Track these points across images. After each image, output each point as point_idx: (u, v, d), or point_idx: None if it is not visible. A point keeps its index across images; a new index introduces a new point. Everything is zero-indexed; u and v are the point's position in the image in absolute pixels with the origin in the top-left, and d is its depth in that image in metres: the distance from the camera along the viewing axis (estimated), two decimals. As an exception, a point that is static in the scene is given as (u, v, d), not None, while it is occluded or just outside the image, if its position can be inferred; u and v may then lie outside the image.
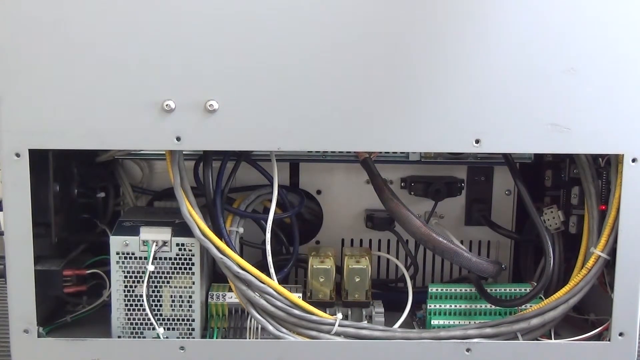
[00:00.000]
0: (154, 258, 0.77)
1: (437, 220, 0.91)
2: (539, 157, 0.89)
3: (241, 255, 0.78)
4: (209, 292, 0.82)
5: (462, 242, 0.91)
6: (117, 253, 0.77)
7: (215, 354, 0.77)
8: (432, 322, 0.82)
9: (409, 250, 0.90)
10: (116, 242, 0.77)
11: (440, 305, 0.83)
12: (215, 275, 0.86)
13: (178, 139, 0.72)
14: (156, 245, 0.77)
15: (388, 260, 0.94)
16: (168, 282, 0.78)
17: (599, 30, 0.71)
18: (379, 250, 0.94)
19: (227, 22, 0.70)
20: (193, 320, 0.79)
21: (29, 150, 0.71)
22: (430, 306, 0.83)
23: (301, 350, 0.77)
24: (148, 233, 0.77)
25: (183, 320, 0.79)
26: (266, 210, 0.85)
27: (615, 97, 0.72)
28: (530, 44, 0.71)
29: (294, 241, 0.88)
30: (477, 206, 0.93)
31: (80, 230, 0.88)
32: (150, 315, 0.77)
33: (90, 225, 0.90)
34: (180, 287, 0.78)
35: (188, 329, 0.79)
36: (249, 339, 0.79)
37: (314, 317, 0.77)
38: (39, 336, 0.76)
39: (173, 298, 0.79)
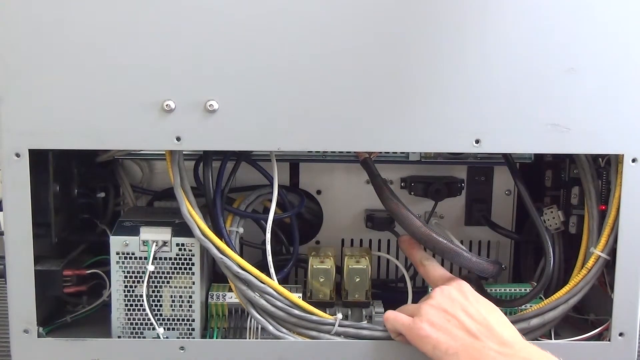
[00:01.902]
0: (154, 258, 0.77)
1: (437, 220, 0.91)
2: (539, 157, 0.89)
3: (241, 255, 0.78)
4: (209, 292, 0.82)
5: (462, 242, 0.91)
6: (117, 253, 0.77)
7: (215, 354, 0.77)
8: (432, 322, 0.82)
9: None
10: (116, 242, 0.77)
11: (440, 305, 0.83)
12: (215, 275, 0.86)
13: (178, 139, 0.72)
14: (156, 245, 0.77)
15: (388, 260, 0.94)
16: (168, 282, 0.78)
17: (599, 30, 0.71)
18: (379, 250, 0.94)
19: (227, 22, 0.70)
20: (193, 320, 0.79)
21: (29, 150, 0.71)
22: (430, 306, 0.83)
23: (301, 350, 0.77)
24: (148, 233, 0.77)
25: (183, 320, 0.79)
26: (266, 210, 0.85)
27: (615, 97, 0.72)
28: (530, 44, 0.71)
29: (294, 241, 0.88)
30: (477, 206, 0.93)
31: (80, 230, 0.88)
32: (150, 315, 0.77)
33: (90, 225, 0.90)
34: (180, 287, 0.78)
35: (188, 329, 0.79)
36: (249, 339, 0.79)
37: (314, 317, 0.77)
38: (39, 336, 0.76)
39: (173, 298, 0.79)
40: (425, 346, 0.70)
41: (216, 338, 0.80)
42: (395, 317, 0.74)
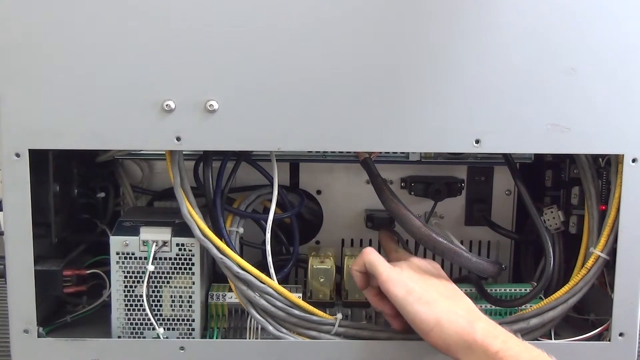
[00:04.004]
0: (154, 258, 0.77)
1: (437, 220, 0.91)
2: (539, 157, 0.89)
3: (241, 255, 0.78)
4: (209, 292, 0.82)
5: (462, 242, 0.91)
6: (117, 253, 0.77)
7: (215, 354, 0.77)
8: (432, 322, 0.82)
9: (409, 250, 0.90)
10: (116, 242, 0.77)
11: (440, 305, 0.83)
12: (215, 275, 0.86)
13: (178, 139, 0.72)
14: (156, 245, 0.77)
15: (388, 260, 0.94)
16: (168, 282, 0.78)
17: (599, 30, 0.71)
18: (379, 250, 0.94)
19: (227, 22, 0.70)
20: (193, 320, 0.79)
21: (29, 150, 0.71)
22: (430, 306, 0.82)
23: (301, 350, 0.77)
24: (148, 233, 0.77)
25: (183, 320, 0.79)
26: (266, 210, 0.85)
27: (615, 97, 0.72)
28: (530, 44, 0.71)
29: (294, 241, 0.88)
30: (477, 206, 0.93)
31: (80, 230, 0.88)
32: (150, 315, 0.77)
33: (90, 225, 0.90)
34: (180, 287, 0.78)
35: (188, 329, 0.79)
36: (249, 339, 0.79)
37: (314, 317, 0.77)
38: (39, 336, 0.76)
39: (173, 298, 0.79)
40: (399, 290, 0.71)
41: (216, 338, 0.80)
42: (378, 257, 0.75)
